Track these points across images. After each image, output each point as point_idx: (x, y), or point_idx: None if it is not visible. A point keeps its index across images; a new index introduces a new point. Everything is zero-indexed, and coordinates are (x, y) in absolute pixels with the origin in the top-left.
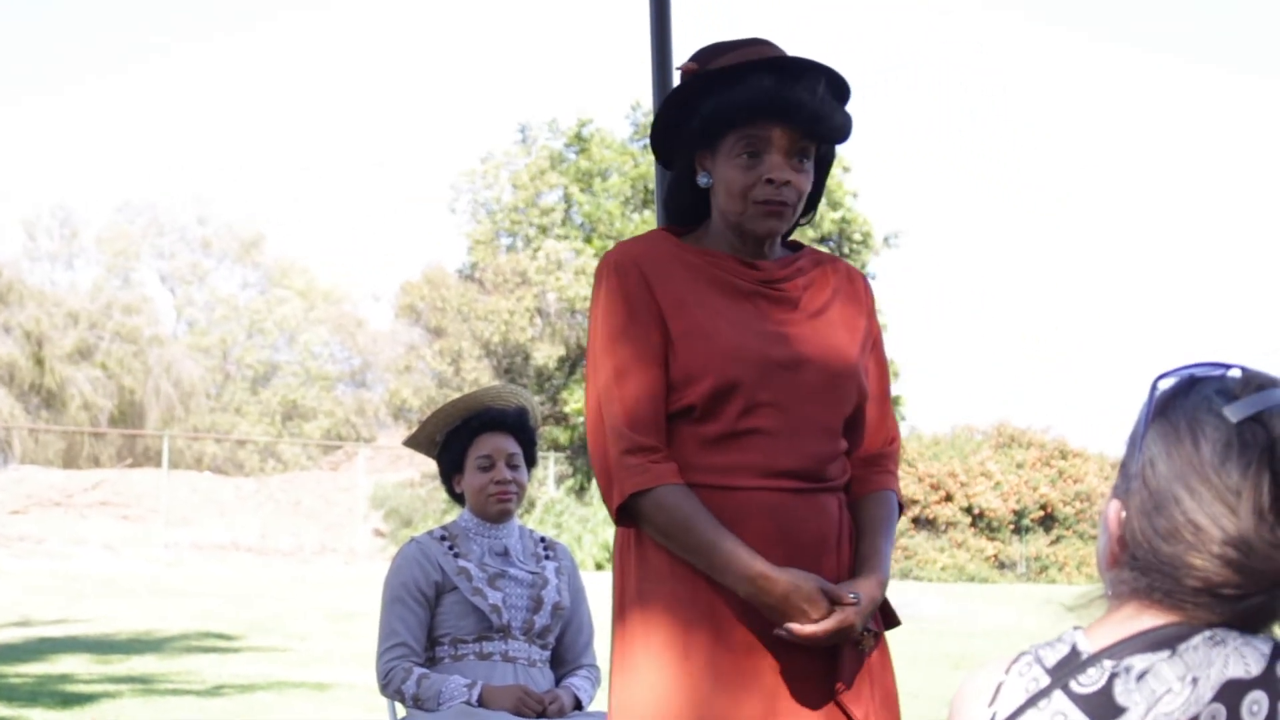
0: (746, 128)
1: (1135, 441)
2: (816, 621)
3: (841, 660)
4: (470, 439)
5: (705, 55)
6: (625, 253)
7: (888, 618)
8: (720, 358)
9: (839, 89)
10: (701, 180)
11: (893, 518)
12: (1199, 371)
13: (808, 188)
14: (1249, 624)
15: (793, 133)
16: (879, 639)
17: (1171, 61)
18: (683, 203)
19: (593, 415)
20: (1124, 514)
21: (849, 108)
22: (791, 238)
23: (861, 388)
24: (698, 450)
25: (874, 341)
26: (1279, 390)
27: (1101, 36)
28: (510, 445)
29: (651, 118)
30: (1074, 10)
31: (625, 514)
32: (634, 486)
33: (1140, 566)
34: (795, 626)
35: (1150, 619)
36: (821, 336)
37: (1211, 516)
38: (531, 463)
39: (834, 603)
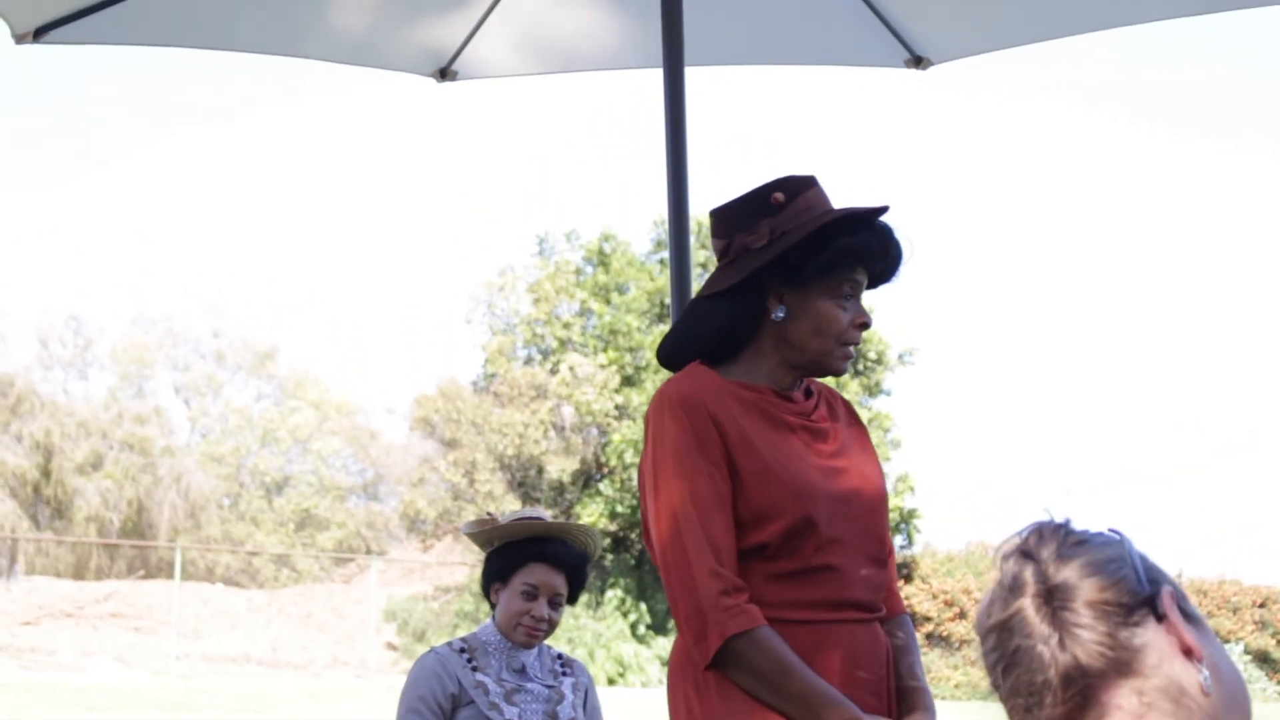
0: (853, 272)
1: None
2: None
3: None
4: (526, 561)
5: (790, 188)
6: (686, 389)
7: None
8: (792, 496)
9: None
10: (779, 314)
11: (915, 640)
12: None
13: None
14: None
15: (868, 280)
16: None
17: (1196, 159)
18: (738, 333)
19: (671, 551)
20: None
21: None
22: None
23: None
24: (766, 585)
25: None
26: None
27: (1120, 141)
28: (560, 584)
29: (667, 232)
30: (1089, 121)
31: (718, 656)
32: (737, 628)
33: None
34: None
35: None
36: (857, 467)
37: None
38: (573, 602)
39: None
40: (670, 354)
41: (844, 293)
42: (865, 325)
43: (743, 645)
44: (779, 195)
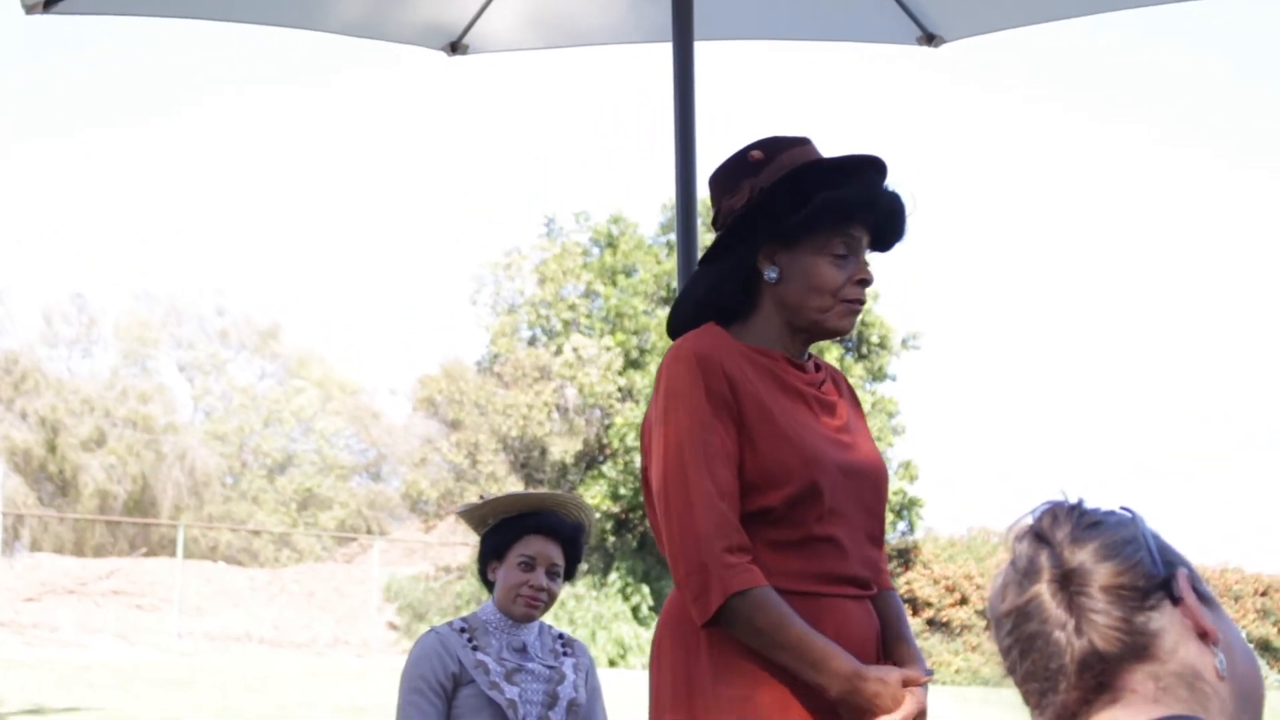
0: (847, 226)
1: None
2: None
3: None
4: (520, 534)
5: (771, 146)
6: (704, 346)
7: None
8: (802, 462)
9: None
10: (770, 275)
11: (903, 610)
12: None
13: None
14: None
15: (870, 234)
16: None
17: (1217, 143)
18: (728, 297)
19: (675, 503)
20: None
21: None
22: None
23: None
24: (765, 552)
25: None
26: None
27: (1127, 134)
28: (556, 555)
29: (676, 215)
30: (1097, 109)
31: (718, 613)
32: (740, 585)
33: None
34: (886, 718)
35: (1158, 709)
36: (860, 442)
37: None
38: (570, 576)
39: (908, 684)
40: (673, 323)
41: (837, 249)
42: (866, 282)
43: (744, 603)
44: (756, 153)
